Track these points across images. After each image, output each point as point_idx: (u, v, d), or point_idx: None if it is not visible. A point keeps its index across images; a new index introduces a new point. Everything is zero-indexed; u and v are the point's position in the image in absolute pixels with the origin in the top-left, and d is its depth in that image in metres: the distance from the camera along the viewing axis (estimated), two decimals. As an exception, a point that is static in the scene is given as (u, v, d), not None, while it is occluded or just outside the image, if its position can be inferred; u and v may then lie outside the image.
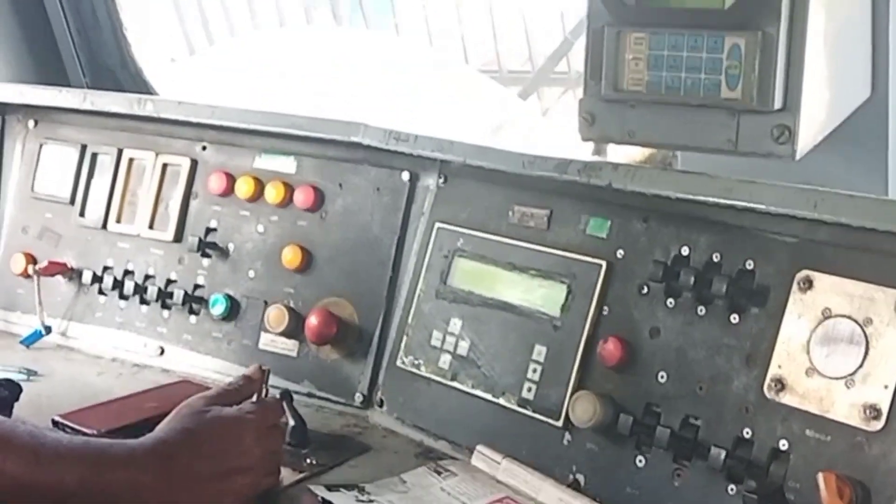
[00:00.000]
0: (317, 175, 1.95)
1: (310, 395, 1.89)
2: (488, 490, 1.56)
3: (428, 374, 1.77)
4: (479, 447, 1.64)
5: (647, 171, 1.47)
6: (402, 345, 1.81)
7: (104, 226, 2.12)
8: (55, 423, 1.72)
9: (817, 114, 1.43)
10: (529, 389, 1.65)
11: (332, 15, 5.98)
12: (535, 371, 1.65)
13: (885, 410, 1.31)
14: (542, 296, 1.67)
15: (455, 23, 5.57)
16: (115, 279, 2.08)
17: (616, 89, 1.44)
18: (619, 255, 1.60)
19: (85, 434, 1.68)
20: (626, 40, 1.42)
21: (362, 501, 1.49)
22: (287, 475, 1.60)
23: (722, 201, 1.40)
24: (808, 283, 1.39)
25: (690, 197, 1.43)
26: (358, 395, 1.85)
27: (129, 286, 2.06)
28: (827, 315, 1.37)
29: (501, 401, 1.67)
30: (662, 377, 1.51)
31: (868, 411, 1.32)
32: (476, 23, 6.48)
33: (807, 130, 1.41)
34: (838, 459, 1.33)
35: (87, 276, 2.10)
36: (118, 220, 2.11)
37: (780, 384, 1.39)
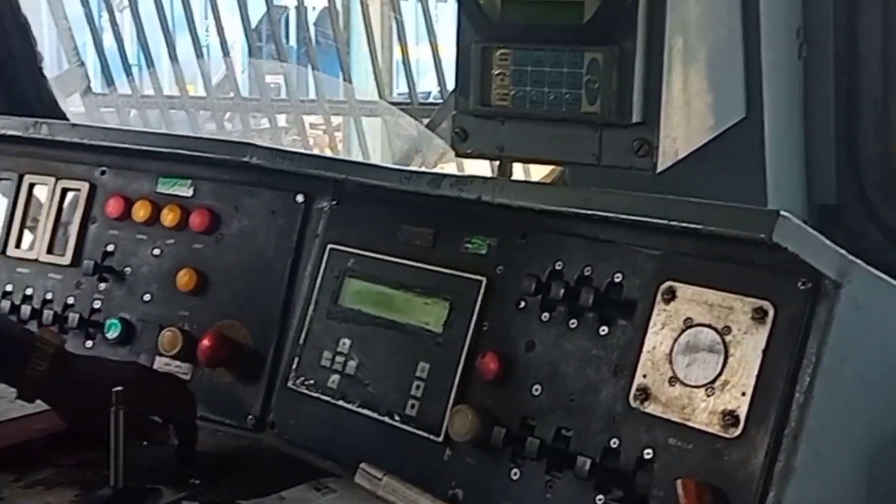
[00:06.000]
0: (213, 198, 1.96)
1: (203, 418, 1.88)
2: (365, 505, 1.56)
3: (317, 395, 1.77)
4: (361, 465, 1.64)
5: (513, 184, 1.50)
6: (294, 366, 1.81)
7: (3, 251, 2.12)
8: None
9: (680, 129, 1.45)
10: (413, 406, 1.65)
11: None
12: (418, 388, 1.65)
13: (742, 417, 1.33)
14: (426, 313, 1.68)
15: (367, 57, 5.61)
16: (13, 304, 2.07)
17: (483, 104, 1.47)
18: (498, 272, 1.62)
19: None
20: (491, 56, 1.45)
21: (235, 517, 1.49)
22: (167, 494, 1.59)
23: (581, 211, 1.42)
24: (672, 294, 1.42)
25: (553, 208, 1.45)
26: (250, 417, 1.85)
27: (26, 311, 2.05)
28: (689, 325, 1.40)
29: (386, 419, 1.68)
30: (537, 390, 1.52)
31: (727, 418, 1.33)
32: (389, 53, 6.55)
33: (669, 145, 1.43)
34: (699, 466, 1.34)
35: (-15, 302, 2.09)
36: (17, 245, 2.11)
37: (645, 394, 1.41)
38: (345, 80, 5.91)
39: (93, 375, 1.66)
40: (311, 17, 7.54)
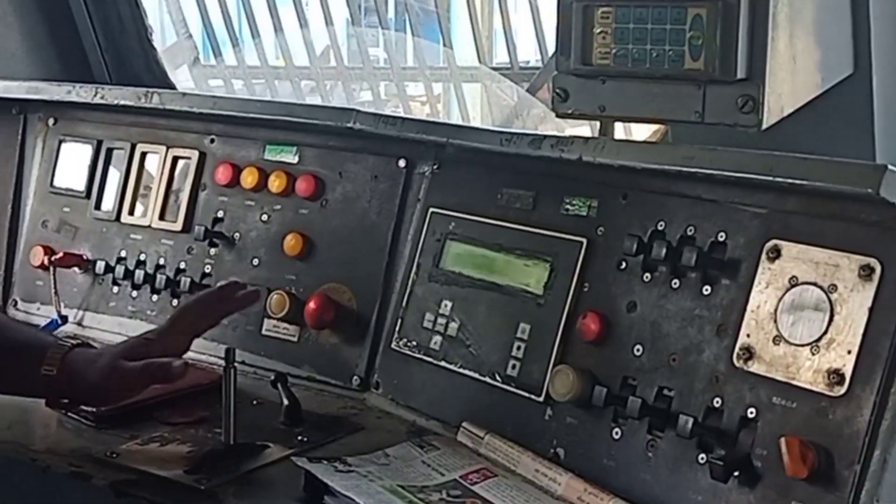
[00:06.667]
0: (317, 164, 2.00)
1: (310, 378, 1.93)
2: (467, 462, 1.59)
3: (420, 356, 1.80)
4: (464, 424, 1.67)
5: (614, 143, 1.49)
6: (397, 328, 1.84)
7: (118, 218, 2.19)
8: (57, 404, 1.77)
9: (786, 85, 1.43)
10: (514, 367, 1.67)
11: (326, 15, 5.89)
12: (519, 348, 1.67)
13: (847, 376, 1.31)
14: (527, 274, 1.69)
15: (467, 23, 5.59)
16: (127, 269, 2.14)
17: (585, 63, 1.47)
18: (599, 233, 1.62)
19: (85, 412, 1.74)
20: (593, 15, 1.45)
21: (341, 472, 1.52)
22: (276, 451, 1.64)
23: (683, 169, 1.41)
24: (776, 252, 1.40)
25: (655, 167, 1.44)
26: (355, 378, 1.89)
27: (139, 276, 2.12)
28: (794, 283, 1.38)
29: (487, 379, 1.70)
30: (638, 350, 1.52)
31: (832, 377, 1.32)
32: (489, 22, 6.51)
33: (775, 101, 1.41)
34: (803, 425, 1.33)
35: (100, 267, 2.16)
36: (131, 213, 2.18)
37: (749, 353, 1.40)
38: (445, 45, 5.92)
39: (89, 364, 1.65)
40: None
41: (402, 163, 1.92)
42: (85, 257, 2.20)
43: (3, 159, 2.34)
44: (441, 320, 1.78)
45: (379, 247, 1.91)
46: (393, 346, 1.84)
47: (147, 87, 2.45)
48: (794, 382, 1.35)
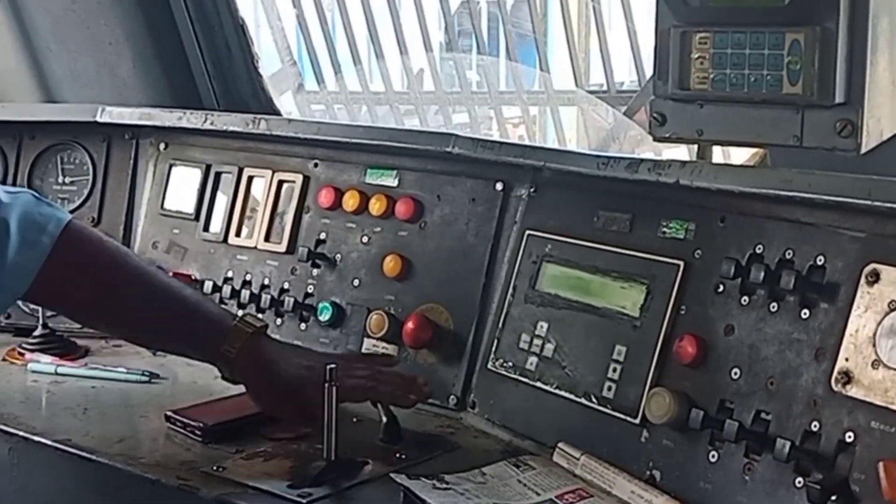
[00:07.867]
0: (417, 187, 2.05)
1: (408, 397, 1.96)
2: (563, 482, 1.60)
3: (516, 376, 1.82)
4: (559, 444, 1.69)
5: (712, 167, 1.50)
6: (494, 348, 1.87)
7: (225, 239, 2.27)
8: (168, 418, 1.85)
9: (885, 109, 1.43)
10: (609, 388, 1.68)
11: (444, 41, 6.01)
12: (615, 370, 1.68)
13: (949, 401, 1.30)
14: (623, 297, 1.70)
15: (563, 46, 5.59)
16: (234, 289, 2.21)
17: (682, 88, 1.48)
18: (696, 256, 1.62)
19: (193, 426, 1.80)
20: (691, 40, 1.46)
21: (439, 489, 1.55)
22: (376, 468, 1.68)
23: (782, 193, 1.41)
24: (876, 277, 1.40)
25: (753, 191, 1.45)
26: (452, 397, 1.92)
27: (245, 295, 2.19)
28: (893, 307, 1.37)
29: (583, 400, 1.71)
30: (736, 373, 1.53)
31: (932, 402, 1.31)
32: (584, 44, 6.51)
33: (874, 125, 1.41)
34: (903, 451, 1.32)
35: (208, 287, 2.24)
36: (237, 234, 2.26)
37: (847, 377, 1.39)
38: (542, 69, 5.95)
39: (283, 362, 1.72)
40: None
41: (499, 186, 1.95)
42: (193, 277, 2.27)
43: (116, 183, 2.44)
44: (537, 341, 1.81)
45: (476, 268, 1.95)
46: (489, 366, 1.87)
47: (254, 113, 2.53)
48: (893, 407, 1.34)
